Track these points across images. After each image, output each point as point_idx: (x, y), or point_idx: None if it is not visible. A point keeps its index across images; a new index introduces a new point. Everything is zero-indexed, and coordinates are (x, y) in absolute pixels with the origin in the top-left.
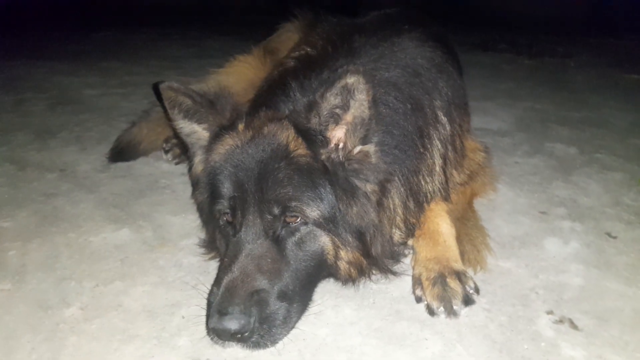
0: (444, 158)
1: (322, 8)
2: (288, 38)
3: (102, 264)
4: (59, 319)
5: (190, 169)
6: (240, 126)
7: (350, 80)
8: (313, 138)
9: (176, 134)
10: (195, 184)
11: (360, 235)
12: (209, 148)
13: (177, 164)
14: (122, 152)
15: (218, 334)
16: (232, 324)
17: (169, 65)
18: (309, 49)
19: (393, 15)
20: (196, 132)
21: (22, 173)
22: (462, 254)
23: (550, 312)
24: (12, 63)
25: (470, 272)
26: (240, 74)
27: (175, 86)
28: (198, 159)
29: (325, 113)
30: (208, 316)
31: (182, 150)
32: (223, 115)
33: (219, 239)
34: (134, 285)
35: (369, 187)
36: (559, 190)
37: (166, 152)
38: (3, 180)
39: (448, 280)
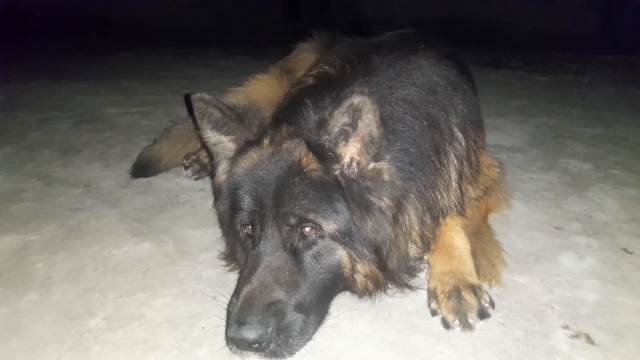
0: (460, 173)
1: (336, 29)
2: (305, 57)
3: (124, 276)
4: (83, 329)
5: (213, 177)
6: (265, 141)
7: (357, 100)
8: (324, 154)
9: (203, 143)
10: (217, 192)
11: (376, 250)
12: (233, 160)
13: (196, 179)
14: (143, 168)
15: (236, 343)
16: (250, 334)
17: (187, 85)
18: (327, 67)
19: (408, 35)
20: (222, 142)
21: (49, 188)
22: (477, 268)
23: (566, 327)
24: (37, 83)
25: (485, 286)
26: (258, 92)
27: (206, 98)
28: (222, 168)
29: (335, 130)
30: (227, 326)
31: (201, 166)
32: (250, 129)
33: (239, 251)
34: (155, 297)
35: (384, 203)
36: (574, 206)
37: (186, 168)
38: (30, 195)
39: (463, 293)
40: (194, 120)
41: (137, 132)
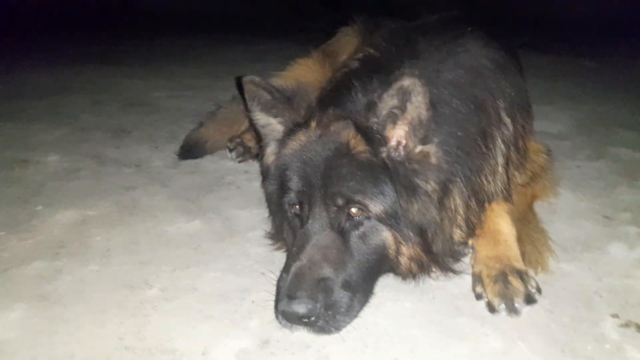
0: (507, 159)
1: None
2: (347, 42)
3: (177, 251)
4: (142, 298)
5: (261, 158)
6: (313, 124)
7: (407, 82)
8: (372, 136)
9: (252, 124)
10: (265, 173)
11: (421, 232)
12: (282, 142)
13: (240, 162)
14: (190, 150)
15: (287, 316)
16: (301, 308)
17: (227, 70)
18: (372, 51)
19: (454, 18)
20: (271, 124)
21: (103, 167)
22: (523, 254)
23: (615, 316)
24: (86, 67)
25: (531, 272)
26: (301, 77)
27: (256, 81)
28: (270, 149)
29: (383, 113)
30: (277, 300)
31: (245, 149)
32: (298, 112)
33: (287, 229)
34: (207, 271)
35: (430, 186)
36: (624, 195)
37: (230, 150)
38: (87, 173)
39: (510, 278)
40: (245, 102)
41: (182, 115)
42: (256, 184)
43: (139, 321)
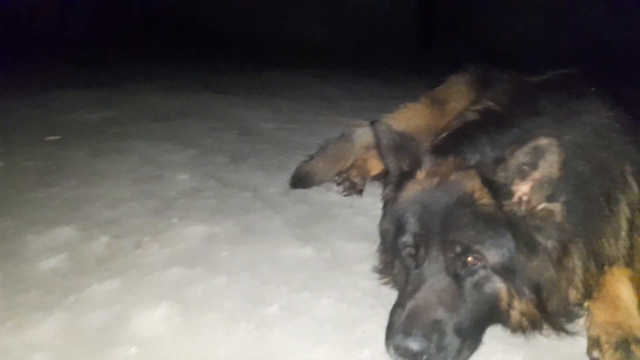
0: (631, 224)
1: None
2: (457, 90)
3: (293, 275)
4: (264, 314)
5: (384, 192)
6: (433, 170)
7: (544, 142)
8: (498, 190)
9: (383, 163)
10: (384, 209)
11: (536, 290)
12: (401, 184)
13: (345, 195)
14: (301, 180)
15: (400, 352)
16: (415, 345)
17: (327, 105)
18: (491, 104)
19: (575, 75)
20: (395, 166)
21: (225, 189)
22: None
23: None
24: (201, 96)
25: None
26: (409, 121)
27: (379, 126)
28: (390, 188)
29: (512, 168)
30: (390, 334)
31: (351, 184)
32: (416, 157)
33: (398, 267)
34: (320, 297)
35: (550, 244)
36: None
37: (338, 184)
38: (211, 193)
39: (633, 347)
40: (377, 143)
41: (289, 146)
42: (360, 218)
43: (263, 335)
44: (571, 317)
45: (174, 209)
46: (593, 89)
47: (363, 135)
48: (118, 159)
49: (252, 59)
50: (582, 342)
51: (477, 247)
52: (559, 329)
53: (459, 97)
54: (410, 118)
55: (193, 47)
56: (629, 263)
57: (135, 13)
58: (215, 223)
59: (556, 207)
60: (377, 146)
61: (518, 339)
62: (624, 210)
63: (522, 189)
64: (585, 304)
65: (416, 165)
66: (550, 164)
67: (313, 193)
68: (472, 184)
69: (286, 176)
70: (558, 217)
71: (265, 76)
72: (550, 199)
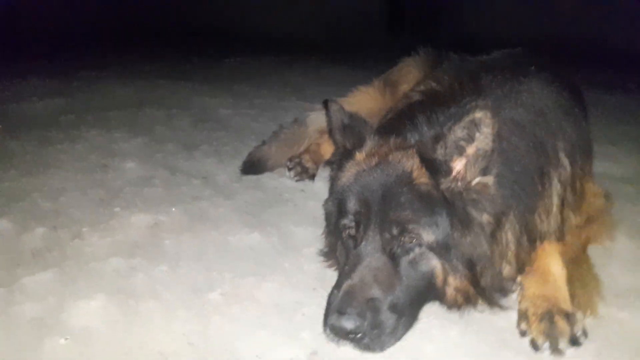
0: (562, 199)
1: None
2: (408, 72)
3: (238, 261)
4: (205, 301)
5: (330, 172)
6: (374, 150)
7: (479, 114)
8: (437, 168)
9: (333, 142)
10: (330, 190)
11: (470, 265)
12: (343, 164)
13: (297, 181)
14: (253, 166)
15: (335, 331)
16: (349, 324)
17: (291, 92)
18: (434, 84)
19: (518, 55)
20: (341, 145)
21: (174, 177)
22: (572, 297)
23: None
24: (161, 83)
25: (579, 315)
26: (361, 104)
27: (337, 104)
28: (334, 167)
29: (450, 145)
30: (327, 314)
31: (303, 169)
32: (362, 137)
33: (340, 249)
34: (264, 282)
35: (485, 218)
36: None
37: (289, 169)
38: (159, 181)
39: (556, 318)
40: (329, 123)
41: (247, 133)
42: (311, 202)
43: (202, 322)
44: (505, 292)
45: (118, 199)
46: (532, 68)
47: (316, 119)
48: (65, 148)
49: (216, 46)
50: (514, 316)
51: (412, 226)
52: (492, 303)
53: (410, 79)
54: (362, 101)
55: (155, 36)
56: (560, 238)
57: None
58: (161, 212)
59: (489, 179)
60: (329, 125)
61: (454, 315)
62: (555, 187)
63: (459, 165)
64: (519, 278)
65: (358, 145)
66: (485, 136)
67: (265, 179)
68: (411, 163)
69: (240, 163)
70: (492, 190)
71: (229, 63)
72: (484, 171)
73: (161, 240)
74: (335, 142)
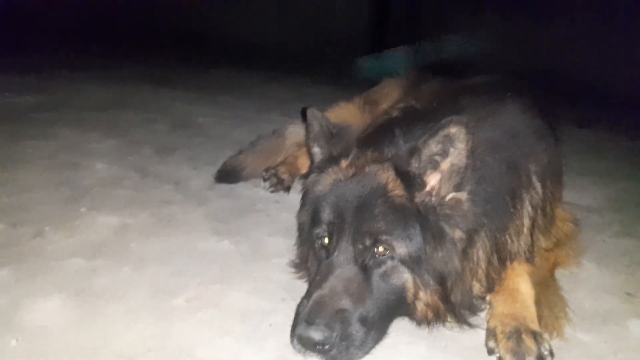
0: (533, 221)
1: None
2: (389, 92)
3: (205, 267)
4: (168, 306)
5: (304, 182)
6: (349, 162)
7: (453, 129)
8: (411, 181)
9: (307, 150)
10: (302, 199)
11: (441, 280)
12: (318, 174)
13: (272, 192)
14: (227, 175)
15: (302, 341)
16: (317, 334)
17: (273, 106)
18: (414, 102)
19: (497, 81)
20: (316, 154)
21: (145, 181)
22: (540, 318)
23: None
24: (143, 88)
25: (546, 336)
26: (340, 119)
27: (315, 113)
28: (312, 176)
29: (425, 158)
30: (294, 324)
31: (278, 180)
32: (335, 147)
33: (312, 259)
34: (230, 290)
35: (457, 234)
36: None
37: (265, 180)
38: (129, 184)
39: (523, 336)
40: (308, 129)
41: (225, 141)
42: (285, 214)
43: (163, 327)
44: (474, 309)
45: (85, 199)
46: (510, 94)
47: (295, 131)
48: (37, 145)
49: (202, 56)
50: (482, 334)
51: (385, 237)
52: (462, 321)
53: (391, 98)
54: (342, 116)
55: (142, 41)
56: (530, 259)
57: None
58: (129, 214)
59: (463, 195)
60: (308, 131)
61: (422, 331)
62: (527, 209)
63: (433, 180)
64: (488, 297)
65: (345, 153)
66: (459, 152)
67: (240, 188)
68: (386, 176)
69: (214, 170)
70: (465, 206)
71: (214, 73)
72: (458, 187)
73: (127, 242)
74: (312, 151)
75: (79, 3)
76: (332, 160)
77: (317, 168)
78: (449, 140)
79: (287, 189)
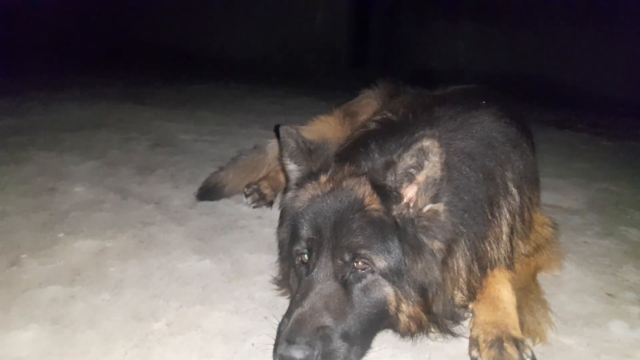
0: (512, 228)
1: (401, 78)
2: (367, 104)
3: (186, 288)
4: (148, 331)
5: (282, 200)
6: (327, 177)
7: (426, 143)
8: (387, 194)
9: (282, 167)
10: (281, 216)
11: (422, 291)
12: (296, 190)
13: (254, 207)
14: (209, 192)
15: None
16: (298, 354)
17: (254, 120)
18: (390, 115)
19: (472, 90)
20: (293, 171)
21: (125, 202)
22: (522, 324)
23: None
24: (121, 106)
25: (528, 342)
26: (320, 133)
27: (289, 130)
28: (289, 194)
29: (400, 172)
30: (276, 344)
31: (261, 196)
32: (315, 164)
33: (293, 276)
34: (212, 310)
35: (436, 245)
36: (630, 275)
37: (247, 196)
38: (109, 206)
39: (505, 344)
40: (282, 147)
41: (205, 158)
42: (267, 229)
43: (142, 353)
44: (457, 318)
45: (63, 223)
46: (483, 102)
47: (276, 146)
48: (9, 170)
49: (181, 72)
50: (466, 343)
51: (364, 252)
52: (444, 331)
53: (369, 110)
54: (321, 130)
55: (119, 59)
56: (510, 266)
57: (59, 20)
58: (108, 237)
59: (440, 207)
60: (282, 149)
61: (406, 343)
62: (505, 216)
63: (410, 193)
64: (470, 305)
65: (324, 168)
66: (434, 165)
67: (221, 205)
68: (363, 190)
69: (195, 188)
70: (442, 217)
71: (193, 89)
72: (434, 199)
73: (105, 267)
74: (288, 168)
75: (52, 24)
76: (311, 176)
77: (296, 185)
78: (423, 153)
79: (270, 204)
